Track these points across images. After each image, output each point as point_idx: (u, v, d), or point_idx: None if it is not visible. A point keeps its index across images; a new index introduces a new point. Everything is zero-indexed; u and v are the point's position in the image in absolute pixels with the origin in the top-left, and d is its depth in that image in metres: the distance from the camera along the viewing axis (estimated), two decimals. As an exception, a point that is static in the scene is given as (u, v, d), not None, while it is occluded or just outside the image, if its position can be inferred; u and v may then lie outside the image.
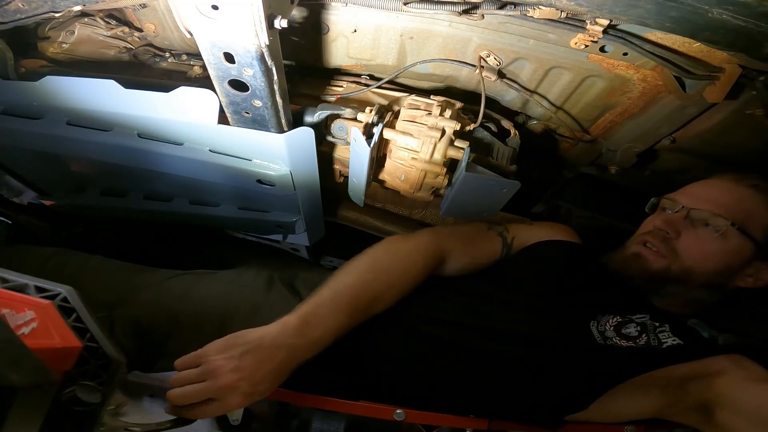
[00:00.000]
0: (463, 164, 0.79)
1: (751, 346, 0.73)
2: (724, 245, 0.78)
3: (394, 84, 0.96)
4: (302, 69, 0.95)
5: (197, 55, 0.90)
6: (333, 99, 0.90)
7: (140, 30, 0.85)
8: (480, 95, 0.83)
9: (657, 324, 0.77)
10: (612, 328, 0.77)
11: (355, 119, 0.82)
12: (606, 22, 0.67)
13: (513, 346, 0.76)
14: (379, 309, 0.75)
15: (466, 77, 0.89)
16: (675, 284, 0.82)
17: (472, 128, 0.86)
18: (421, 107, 0.83)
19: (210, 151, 0.81)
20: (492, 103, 0.96)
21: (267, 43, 0.57)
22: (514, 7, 0.68)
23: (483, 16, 0.73)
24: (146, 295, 0.84)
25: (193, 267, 0.98)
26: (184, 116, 0.75)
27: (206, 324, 0.83)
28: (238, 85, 0.65)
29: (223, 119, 0.74)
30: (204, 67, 0.79)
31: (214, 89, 0.68)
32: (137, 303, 0.82)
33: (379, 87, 0.90)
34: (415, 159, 0.82)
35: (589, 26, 0.69)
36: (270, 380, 0.62)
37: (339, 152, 0.89)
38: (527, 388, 0.75)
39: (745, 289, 0.82)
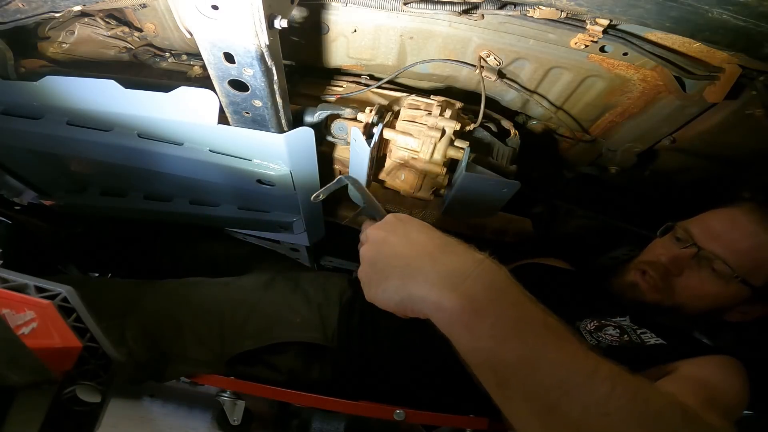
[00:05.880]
0: (463, 164, 0.79)
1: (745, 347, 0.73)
2: (722, 290, 0.77)
3: (394, 84, 0.96)
4: (302, 69, 0.95)
5: (197, 55, 0.90)
6: (333, 99, 0.90)
7: (140, 30, 0.85)
8: (480, 95, 0.83)
9: (636, 326, 0.76)
10: (593, 330, 0.77)
11: (355, 119, 0.82)
12: (606, 22, 0.67)
13: None
14: None
15: (466, 77, 0.89)
16: (662, 315, 0.82)
17: (472, 128, 0.86)
18: (421, 107, 0.83)
19: (210, 151, 0.81)
20: (492, 103, 0.95)
21: (267, 43, 0.57)
22: (514, 7, 0.68)
23: (483, 16, 0.73)
24: (150, 303, 0.86)
25: (192, 270, 0.98)
26: (184, 116, 0.75)
27: (206, 328, 0.84)
28: (238, 85, 0.65)
29: (223, 119, 0.74)
30: (204, 67, 0.79)
31: (214, 89, 0.68)
32: (143, 311, 0.84)
33: (379, 87, 0.90)
34: (415, 159, 0.82)
35: (589, 26, 0.69)
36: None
37: (339, 152, 0.89)
38: None
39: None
